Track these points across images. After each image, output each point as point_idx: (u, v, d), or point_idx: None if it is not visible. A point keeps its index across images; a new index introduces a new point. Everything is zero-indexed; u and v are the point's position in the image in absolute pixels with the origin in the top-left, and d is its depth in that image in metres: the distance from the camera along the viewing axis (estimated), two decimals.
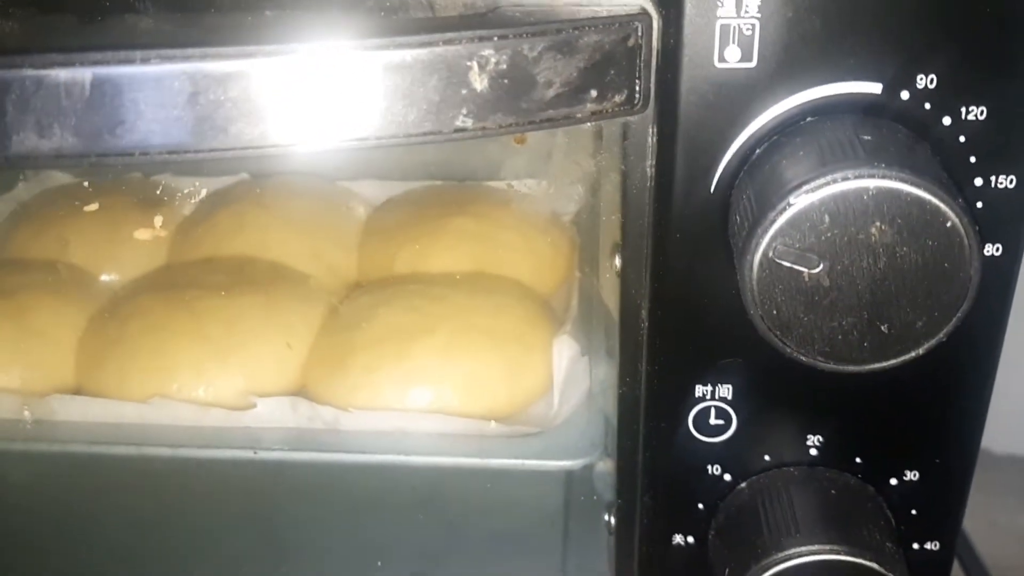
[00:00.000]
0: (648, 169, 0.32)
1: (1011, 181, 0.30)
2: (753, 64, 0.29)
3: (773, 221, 0.28)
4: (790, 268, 0.28)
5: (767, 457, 0.36)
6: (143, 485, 0.44)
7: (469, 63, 0.28)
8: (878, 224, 0.28)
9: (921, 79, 0.29)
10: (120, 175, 0.57)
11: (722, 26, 0.29)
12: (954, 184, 0.29)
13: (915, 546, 0.37)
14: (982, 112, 0.30)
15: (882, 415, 0.35)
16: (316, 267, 0.53)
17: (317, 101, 0.28)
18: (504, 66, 0.28)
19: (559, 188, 0.48)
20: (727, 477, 0.36)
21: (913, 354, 0.29)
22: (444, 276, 0.50)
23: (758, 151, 0.30)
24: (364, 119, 0.28)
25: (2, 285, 0.51)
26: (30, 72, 0.27)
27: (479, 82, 0.28)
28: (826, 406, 0.35)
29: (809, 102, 0.30)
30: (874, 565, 0.33)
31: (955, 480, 0.36)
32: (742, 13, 0.29)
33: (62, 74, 0.27)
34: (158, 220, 0.55)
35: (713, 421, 0.35)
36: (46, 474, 0.45)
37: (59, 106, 0.28)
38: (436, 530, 0.44)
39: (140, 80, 0.27)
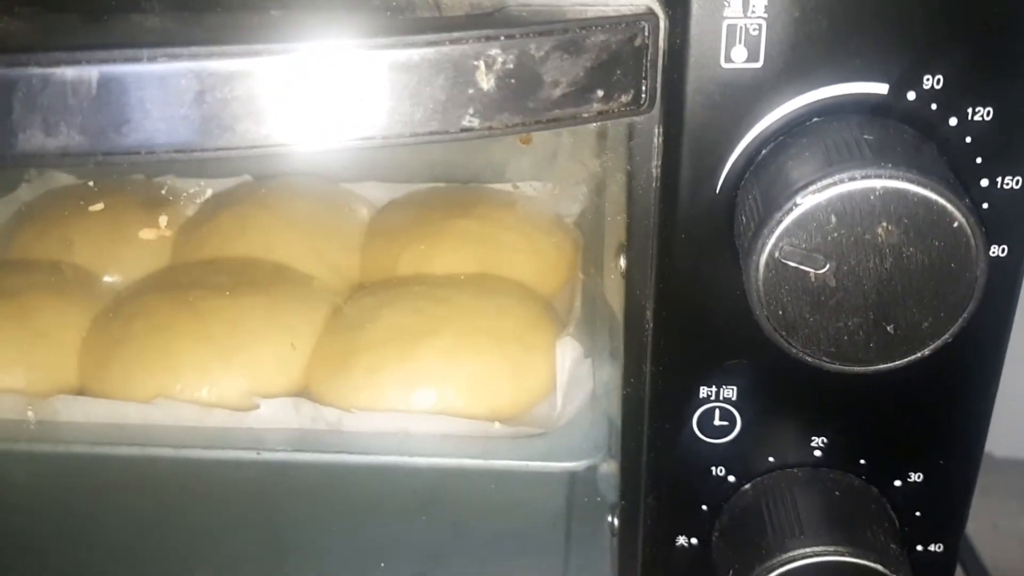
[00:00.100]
0: (654, 169, 0.32)
1: (1017, 182, 0.30)
2: (759, 64, 0.29)
3: (779, 221, 0.28)
4: (796, 268, 0.28)
5: (771, 458, 0.36)
6: (146, 486, 0.44)
7: (476, 63, 0.28)
8: (884, 224, 0.28)
9: (928, 79, 0.29)
10: (124, 175, 0.57)
11: (729, 26, 0.29)
12: (960, 185, 0.29)
13: (919, 548, 0.37)
14: (988, 113, 0.30)
15: (887, 416, 0.34)
16: (320, 268, 0.53)
17: (324, 100, 0.28)
18: (511, 66, 0.28)
19: (563, 189, 0.48)
20: (731, 478, 0.36)
21: (919, 355, 0.29)
22: (448, 278, 0.50)
23: (764, 151, 0.30)
24: (371, 118, 0.28)
25: (6, 286, 0.51)
26: (36, 70, 0.27)
27: (486, 82, 0.28)
28: (831, 407, 0.34)
29: (815, 102, 0.30)
30: (878, 567, 0.33)
31: (959, 482, 0.36)
32: (749, 13, 0.29)
33: (69, 72, 0.27)
34: (162, 220, 0.55)
35: (717, 422, 0.35)
36: (50, 475, 0.45)
37: (66, 104, 0.28)
38: (439, 531, 0.44)
39: (146, 78, 0.27)
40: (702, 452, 0.36)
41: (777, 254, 0.28)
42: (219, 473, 0.43)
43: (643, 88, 0.30)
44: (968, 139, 0.30)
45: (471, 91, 0.28)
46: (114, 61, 0.27)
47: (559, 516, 0.43)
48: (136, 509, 0.45)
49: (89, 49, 0.27)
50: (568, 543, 0.43)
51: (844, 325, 0.29)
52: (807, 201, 0.28)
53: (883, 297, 0.28)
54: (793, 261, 0.28)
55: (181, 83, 0.27)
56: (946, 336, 0.29)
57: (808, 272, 0.28)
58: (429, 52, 0.28)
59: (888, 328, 0.29)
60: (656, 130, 0.31)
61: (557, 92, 0.29)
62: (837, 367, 0.30)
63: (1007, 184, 0.30)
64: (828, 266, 0.28)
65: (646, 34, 0.30)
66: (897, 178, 0.27)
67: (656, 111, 0.31)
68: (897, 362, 0.30)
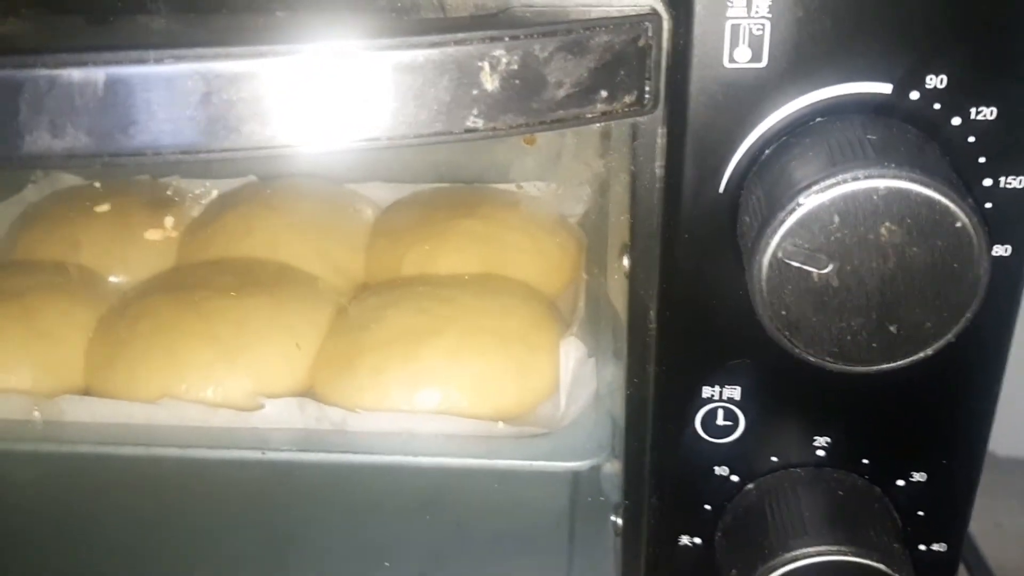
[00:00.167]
0: (657, 169, 0.32)
1: (1020, 182, 0.30)
2: (763, 64, 0.29)
3: (783, 221, 0.28)
4: (799, 268, 0.28)
5: (774, 458, 0.36)
6: (151, 485, 0.44)
7: (480, 63, 0.28)
8: (887, 224, 0.28)
9: (931, 79, 0.29)
10: (130, 176, 0.57)
11: (732, 26, 0.29)
12: (963, 184, 0.29)
13: (922, 547, 0.37)
14: (992, 112, 0.30)
15: (890, 416, 0.35)
16: (324, 268, 0.53)
17: (329, 101, 0.28)
18: (515, 66, 0.28)
19: (567, 189, 0.48)
20: (734, 478, 0.36)
21: (922, 355, 0.29)
22: (452, 278, 0.50)
23: (767, 151, 0.30)
24: (375, 119, 0.28)
25: (12, 286, 0.51)
26: (43, 72, 0.27)
27: (490, 82, 0.28)
28: (834, 407, 0.35)
29: (819, 102, 0.30)
30: (881, 566, 0.33)
31: (962, 481, 0.36)
32: (752, 13, 0.29)
33: (75, 74, 0.27)
34: (168, 221, 0.55)
35: (721, 422, 0.35)
36: (55, 474, 0.45)
37: (72, 106, 0.28)
38: (443, 531, 0.44)
39: (153, 80, 0.28)
40: (705, 452, 0.36)
41: (780, 254, 0.28)
42: (224, 473, 0.44)
43: (647, 88, 0.30)
44: (971, 139, 0.30)
45: (475, 92, 0.28)
46: (120, 63, 0.27)
47: (563, 516, 0.43)
48: (141, 509, 0.45)
49: (95, 51, 0.27)
50: (572, 543, 0.43)
51: (847, 325, 0.29)
52: (810, 201, 0.28)
53: (886, 297, 0.29)
54: (796, 261, 0.28)
55: (187, 84, 0.28)
56: (949, 336, 0.29)
57: (811, 272, 0.28)
58: (434, 53, 0.28)
59: (891, 328, 0.29)
60: (660, 130, 0.31)
61: (561, 93, 0.29)
62: (840, 367, 0.30)
63: (1010, 184, 0.31)
64: (831, 266, 0.28)
65: (649, 34, 0.30)
66: (900, 178, 0.27)
67: (660, 111, 0.31)
68: (900, 362, 0.30)
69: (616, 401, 0.40)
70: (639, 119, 0.31)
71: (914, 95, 0.30)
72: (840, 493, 0.35)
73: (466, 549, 0.45)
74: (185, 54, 0.27)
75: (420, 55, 0.28)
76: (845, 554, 0.33)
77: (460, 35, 0.28)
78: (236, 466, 0.43)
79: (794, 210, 0.28)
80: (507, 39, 0.28)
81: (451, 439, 0.43)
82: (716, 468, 0.36)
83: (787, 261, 0.28)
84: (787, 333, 0.29)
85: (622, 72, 0.30)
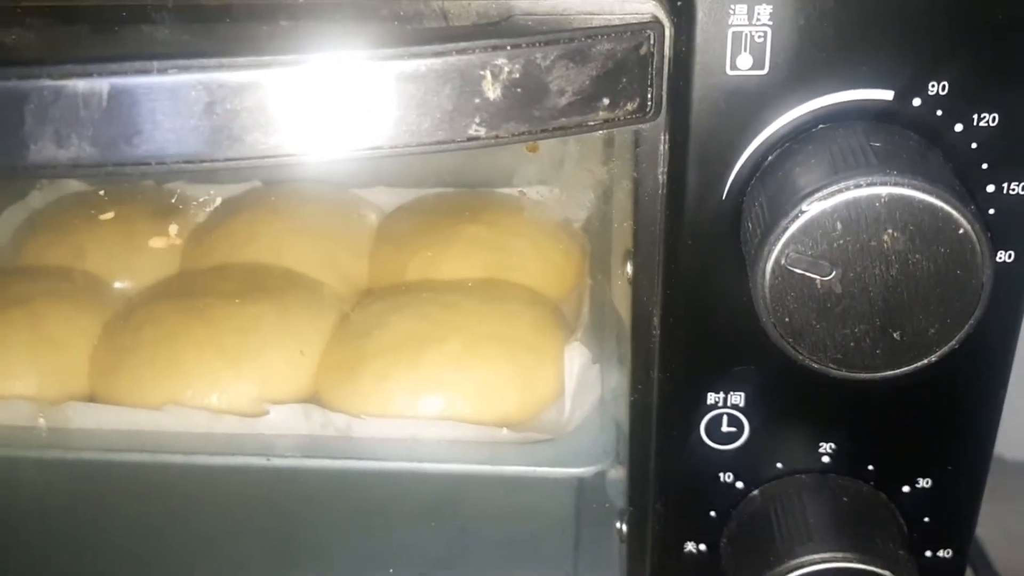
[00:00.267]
0: (660, 176, 0.32)
1: (1023, 188, 0.30)
2: (765, 71, 0.29)
3: (785, 228, 0.28)
4: (802, 275, 0.28)
5: (779, 464, 0.36)
6: (156, 492, 0.45)
7: (482, 72, 0.28)
8: (890, 231, 0.28)
9: (933, 86, 0.29)
10: (134, 183, 0.57)
11: (734, 33, 0.29)
12: (966, 191, 0.29)
13: (928, 554, 0.37)
14: (994, 119, 0.30)
15: (894, 422, 0.34)
16: (328, 274, 0.53)
17: (332, 110, 0.28)
18: (517, 75, 0.28)
19: (571, 195, 0.48)
20: (739, 485, 0.36)
21: (926, 361, 0.29)
22: (456, 283, 0.50)
23: (770, 158, 0.30)
24: (378, 128, 0.28)
25: (17, 292, 0.51)
26: (48, 82, 0.28)
27: (492, 91, 0.28)
28: (838, 413, 0.34)
29: (821, 109, 0.30)
30: (887, 573, 0.33)
31: (968, 487, 0.36)
32: (754, 20, 0.29)
33: (80, 84, 0.28)
34: (173, 228, 0.55)
35: (725, 428, 0.35)
36: (61, 481, 0.45)
37: (77, 116, 0.28)
38: (447, 537, 0.44)
39: (157, 90, 0.28)
40: (710, 458, 0.36)
41: (783, 261, 0.28)
42: (229, 479, 0.44)
43: (649, 96, 0.30)
44: (974, 145, 0.30)
45: (478, 100, 0.28)
46: (125, 73, 0.28)
47: (567, 522, 0.43)
48: (146, 515, 0.45)
49: (100, 61, 0.28)
50: (576, 549, 0.43)
51: (850, 332, 0.29)
52: (813, 208, 0.28)
53: (889, 304, 0.29)
54: (799, 268, 0.28)
55: (191, 94, 0.28)
56: (953, 343, 0.29)
57: (814, 279, 0.28)
58: (436, 62, 0.28)
59: (895, 335, 0.29)
60: (662, 137, 0.32)
61: (563, 101, 0.29)
62: (844, 374, 0.30)
63: (1013, 190, 0.30)
64: (834, 273, 0.28)
65: (651, 42, 0.30)
66: (903, 185, 0.27)
67: (662, 118, 0.31)
68: (904, 369, 0.30)
69: (620, 407, 0.40)
70: (641, 126, 0.31)
71: (916, 102, 0.30)
72: (845, 499, 0.35)
73: (470, 555, 0.45)
74: (189, 64, 0.28)
75: (423, 64, 0.28)
76: (851, 561, 0.33)
77: (462, 44, 0.28)
78: (241, 472, 0.43)
79: (797, 217, 0.28)
80: (509, 48, 0.28)
81: (455, 445, 0.43)
82: (721, 474, 0.36)
83: (790, 268, 0.28)
84: (791, 340, 0.29)
85: (624, 80, 0.30)
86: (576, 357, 0.44)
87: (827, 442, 0.35)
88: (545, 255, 0.52)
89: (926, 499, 0.36)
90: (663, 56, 0.30)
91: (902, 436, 0.35)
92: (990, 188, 0.31)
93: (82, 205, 0.58)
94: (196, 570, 0.47)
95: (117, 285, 0.54)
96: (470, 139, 0.29)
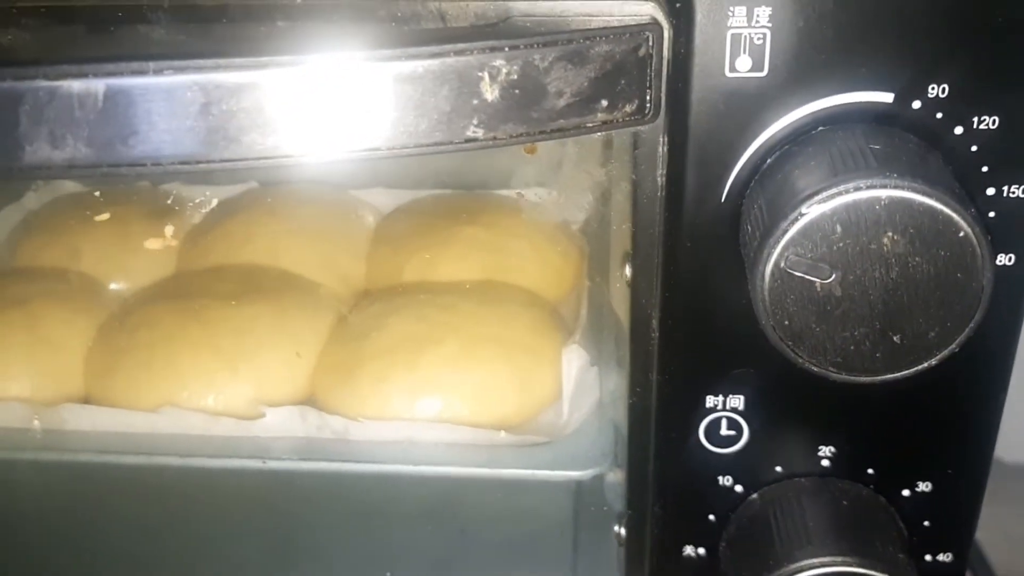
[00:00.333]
0: (659, 178, 0.32)
1: (1023, 191, 0.30)
2: (764, 73, 0.29)
3: (785, 231, 0.28)
4: (802, 278, 0.28)
5: (778, 468, 0.36)
6: (152, 494, 0.44)
7: (480, 73, 0.28)
8: (890, 234, 0.28)
9: (933, 88, 0.29)
10: (130, 184, 0.57)
11: (733, 35, 0.29)
12: (966, 194, 0.29)
13: (928, 557, 0.37)
14: (994, 122, 0.30)
15: (894, 425, 0.34)
16: (325, 276, 0.53)
17: (329, 111, 0.28)
18: (515, 76, 0.28)
19: (569, 197, 0.48)
20: (738, 488, 0.36)
21: (926, 364, 0.29)
22: (454, 285, 0.50)
23: (769, 160, 0.30)
24: (376, 129, 0.28)
25: (13, 294, 0.51)
26: (43, 83, 0.27)
27: (490, 92, 0.28)
28: (838, 416, 0.34)
29: (820, 111, 0.30)
30: None
31: (968, 491, 0.36)
32: (753, 22, 0.29)
33: (75, 85, 0.27)
34: (169, 229, 0.55)
35: (724, 432, 0.35)
36: (56, 483, 0.45)
37: (72, 117, 0.28)
38: (445, 540, 0.44)
39: (153, 91, 0.27)
40: (709, 461, 0.35)
41: (783, 264, 0.28)
42: (225, 482, 0.43)
43: (647, 98, 0.30)
44: (974, 148, 0.30)
45: (475, 102, 0.28)
46: (120, 74, 0.27)
47: (565, 525, 0.43)
48: (142, 517, 0.45)
49: (96, 62, 0.27)
50: (574, 552, 0.43)
51: (850, 335, 0.29)
52: (813, 211, 0.28)
53: (889, 307, 0.28)
54: (799, 271, 0.28)
55: (187, 95, 0.27)
56: (953, 346, 0.29)
57: (814, 282, 0.28)
58: (434, 63, 0.28)
59: (894, 338, 0.29)
60: (661, 139, 0.31)
61: (561, 102, 0.29)
62: (843, 377, 0.30)
63: (1013, 193, 0.30)
64: (834, 276, 0.28)
65: (650, 44, 0.30)
66: (903, 188, 0.27)
67: (661, 120, 0.31)
68: (904, 372, 0.29)
69: (619, 410, 0.40)
70: (640, 128, 0.31)
71: (916, 104, 0.29)
72: (845, 503, 0.35)
73: (468, 558, 0.44)
74: (185, 65, 0.27)
75: (420, 65, 0.28)
76: (850, 564, 0.33)
77: (460, 45, 0.28)
78: (237, 475, 0.43)
79: (796, 220, 0.28)
80: (507, 49, 0.28)
81: (453, 448, 0.43)
82: (720, 478, 0.36)
83: (790, 271, 0.28)
84: (790, 343, 0.29)
85: (623, 81, 0.30)
86: (574, 359, 0.44)
87: (827, 445, 0.35)
88: (543, 257, 0.52)
89: (926, 502, 0.35)
90: (662, 58, 0.30)
91: (902, 439, 0.35)
92: (990, 191, 0.30)
93: (78, 206, 0.58)
94: (192, 573, 0.47)
95: (113, 286, 0.54)
96: (468, 140, 0.29)
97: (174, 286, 0.53)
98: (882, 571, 0.33)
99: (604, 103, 0.30)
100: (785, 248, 0.28)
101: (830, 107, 0.30)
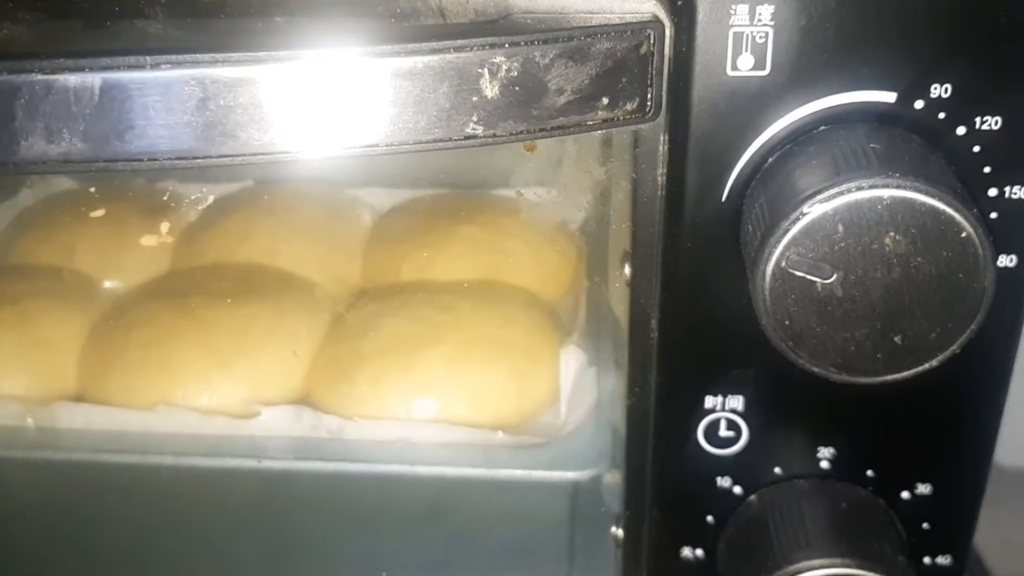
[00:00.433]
0: (659, 177, 0.32)
1: None
2: (766, 72, 0.29)
3: (786, 230, 0.28)
4: (803, 278, 0.28)
5: (777, 469, 0.35)
6: (147, 493, 0.44)
7: (480, 70, 0.28)
8: (892, 234, 0.28)
9: (935, 88, 0.29)
10: (125, 181, 0.57)
11: (735, 34, 0.29)
12: (968, 194, 0.28)
13: (927, 560, 0.37)
14: (996, 122, 0.29)
15: (894, 427, 0.34)
16: (322, 275, 0.53)
17: (327, 107, 0.28)
18: (515, 73, 0.28)
19: (568, 196, 0.48)
20: (737, 489, 0.36)
21: (927, 366, 0.29)
22: (451, 285, 0.50)
23: (771, 160, 0.30)
24: (374, 126, 0.28)
25: (6, 291, 0.51)
26: (39, 77, 0.27)
27: (490, 89, 0.28)
28: (838, 418, 0.34)
29: (822, 110, 0.29)
30: None
31: (968, 493, 0.35)
32: (755, 21, 0.29)
33: (71, 79, 0.27)
34: (164, 226, 0.55)
35: (723, 433, 0.35)
36: (50, 482, 0.44)
37: (68, 111, 0.27)
38: (442, 540, 0.44)
39: (150, 85, 0.27)
40: (708, 462, 0.35)
41: (784, 263, 0.28)
42: (220, 481, 0.43)
43: (648, 96, 0.30)
44: (976, 148, 0.30)
45: (475, 98, 0.28)
46: (117, 68, 0.27)
47: (562, 526, 0.42)
48: (136, 517, 0.45)
49: (92, 56, 0.27)
50: (572, 554, 0.43)
51: (851, 335, 0.29)
52: (814, 210, 0.28)
53: (890, 307, 0.28)
54: (800, 271, 0.28)
55: (184, 90, 0.27)
56: (954, 347, 0.29)
57: (815, 282, 0.28)
58: (433, 59, 0.28)
59: (895, 339, 0.29)
60: (662, 138, 0.31)
61: (562, 100, 0.29)
62: (844, 378, 0.30)
63: (1016, 194, 0.30)
64: (835, 276, 0.28)
65: (652, 42, 0.29)
66: (905, 188, 0.27)
67: (661, 119, 0.31)
68: (905, 373, 0.29)
69: (617, 410, 0.40)
70: (641, 126, 0.31)
71: (918, 104, 0.29)
72: (844, 505, 0.35)
73: (465, 559, 0.44)
74: (182, 59, 0.27)
75: (419, 61, 0.28)
76: (849, 567, 0.33)
77: (460, 41, 0.28)
78: (232, 474, 0.43)
79: (798, 219, 0.28)
80: (507, 46, 0.28)
81: (450, 448, 0.43)
82: (719, 479, 0.36)
83: (791, 271, 0.28)
84: (791, 343, 0.29)
85: (624, 79, 0.29)
86: (572, 360, 0.44)
87: (826, 447, 0.35)
88: (541, 257, 0.52)
89: (925, 505, 0.35)
90: (663, 56, 0.30)
91: (902, 441, 0.34)
92: (992, 192, 0.30)
93: (72, 203, 0.57)
94: (185, 572, 0.46)
95: (107, 284, 0.53)
96: (468, 137, 0.28)
97: (169, 284, 0.53)
98: (881, 573, 0.33)
99: (605, 101, 0.29)
100: (786, 248, 0.28)
101: (832, 106, 0.29)
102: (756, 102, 0.30)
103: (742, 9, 0.29)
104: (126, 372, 0.47)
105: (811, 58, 0.29)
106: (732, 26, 0.29)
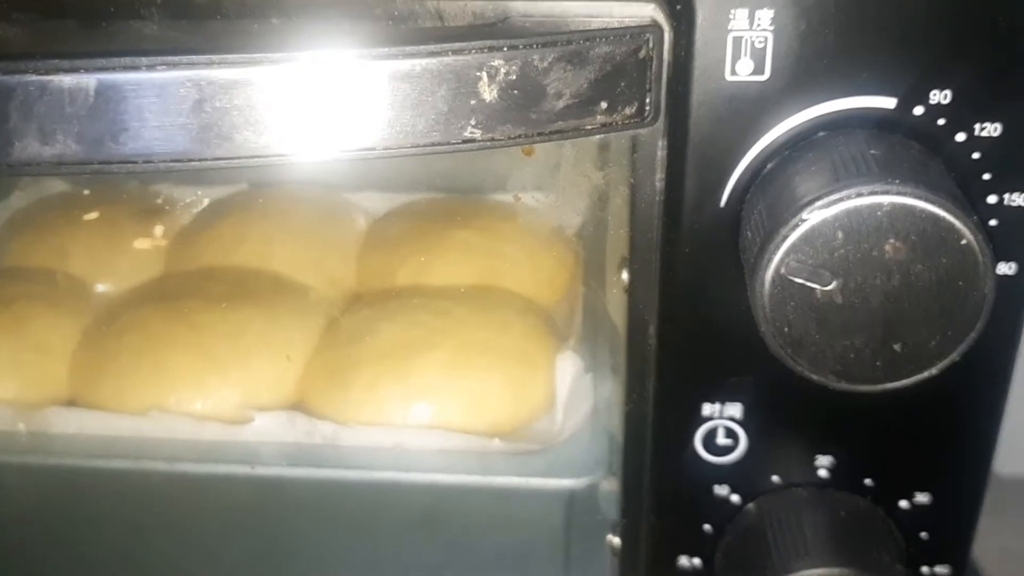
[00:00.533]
0: (657, 182, 0.32)
1: None
2: (765, 77, 0.29)
3: (786, 237, 0.28)
4: (802, 285, 0.28)
5: (775, 478, 0.35)
6: (139, 499, 0.44)
7: (478, 73, 0.28)
8: (892, 241, 0.27)
9: (935, 95, 0.29)
10: (119, 183, 0.57)
11: (734, 38, 0.29)
12: (968, 201, 0.28)
13: (925, 569, 0.36)
14: (996, 129, 0.29)
15: (893, 436, 0.34)
16: (317, 279, 0.52)
17: (324, 110, 0.28)
18: (514, 76, 0.28)
19: (566, 201, 0.48)
20: (734, 498, 0.35)
21: (926, 374, 0.29)
22: (447, 290, 0.50)
23: (770, 165, 0.30)
24: (372, 129, 0.28)
25: None
26: (34, 78, 0.27)
27: (488, 92, 0.28)
28: (836, 426, 0.34)
29: (822, 116, 0.29)
30: None
31: (966, 502, 0.35)
32: (755, 26, 0.28)
33: (66, 80, 0.27)
34: (158, 230, 0.54)
35: (721, 441, 0.35)
36: (41, 487, 0.44)
37: (62, 113, 0.27)
38: (437, 548, 0.43)
39: (145, 87, 0.27)
40: (705, 470, 0.35)
41: (783, 270, 0.28)
42: (212, 487, 0.43)
43: (647, 100, 0.30)
44: (976, 155, 0.30)
45: (474, 102, 0.28)
46: (112, 69, 0.27)
47: (558, 534, 0.42)
48: (128, 523, 0.44)
49: (87, 57, 0.27)
50: (568, 562, 0.43)
51: (851, 343, 0.28)
52: (814, 216, 0.27)
53: (890, 315, 0.28)
54: (799, 277, 0.28)
55: (180, 92, 0.27)
56: (954, 355, 0.29)
57: (814, 288, 0.28)
58: (431, 62, 0.27)
59: (895, 346, 0.28)
60: (660, 143, 0.31)
61: (560, 104, 0.29)
62: (843, 386, 0.29)
63: (1015, 201, 0.30)
64: (835, 283, 0.28)
65: (650, 46, 0.29)
66: (905, 194, 0.27)
67: (660, 124, 0.30)
68: (904, 381, 0.29)
69: (614, 417, 0.40)
70: (639, 131, 0.31)
71: (918, 110, 0.29)
72: (842, 514, 0.34)
73: (459, 567, 0.44)
74: (178, 61, 0.27)
75: (417, 64, 0.27)
76: None
77: (458, 44, 0.27)
78: (225, 480, 0.43)
79: (797, 225, 0.28)
80: (506, 49, 0.28)
81: (445, 455, 0.43)
82: (716, 487, 0.35)
83: (790, 277, 0.28)
84: (790, 351, 0.29)
85: (622, 84, 0.29)
86: (569, 366, 0.44)
87: (825, 455, 0.34)
88: (538, 262, 0.52)
89: (924, 514, 0.35)
90: (662, 60, 0.30)
91: (901, 450, 0.34)
92: (991, 199, 0.30)
93: (65, 206, 0.57)
94: None
95: (100, 288, 0.53)
96: (466, 141, 0.28)
97: (162, 288, 0.52)
98: None
99: (603, 105, 0.29)
100: (786, 254, 0.28)
101: (832, 112, 0.29)
102: (755, 107, 0.29)
103: (741, 14, 0.28)
104: (119, 377, 0.46)
105: (810, 63, 0.29)
106: (731, 31, 0.29)
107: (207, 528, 0.44)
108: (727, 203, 0.31)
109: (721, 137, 0.30)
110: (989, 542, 0.40)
